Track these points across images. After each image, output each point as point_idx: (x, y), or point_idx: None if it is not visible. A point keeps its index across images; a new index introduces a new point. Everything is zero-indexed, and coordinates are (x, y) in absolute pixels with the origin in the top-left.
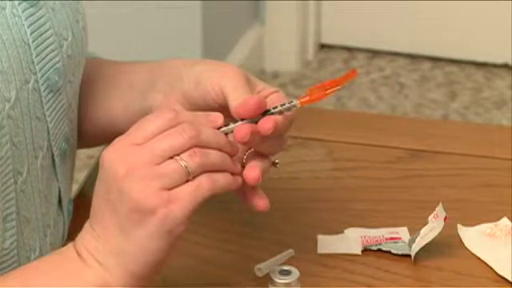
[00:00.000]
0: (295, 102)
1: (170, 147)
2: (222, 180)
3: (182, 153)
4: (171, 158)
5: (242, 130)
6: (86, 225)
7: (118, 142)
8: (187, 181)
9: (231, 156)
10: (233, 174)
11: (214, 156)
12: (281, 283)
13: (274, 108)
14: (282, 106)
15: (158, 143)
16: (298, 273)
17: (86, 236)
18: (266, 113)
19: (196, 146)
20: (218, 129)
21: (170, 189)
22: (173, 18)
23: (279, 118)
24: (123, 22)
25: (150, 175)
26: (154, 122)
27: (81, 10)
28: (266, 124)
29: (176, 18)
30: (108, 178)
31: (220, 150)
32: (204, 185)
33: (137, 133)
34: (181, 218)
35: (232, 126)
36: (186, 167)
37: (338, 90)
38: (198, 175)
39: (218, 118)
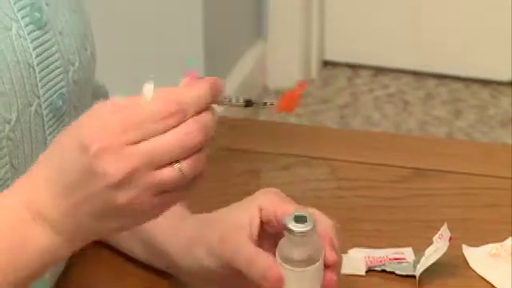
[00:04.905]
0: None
1: (170, 154)
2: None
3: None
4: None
5: None
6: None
7: (110, 141)
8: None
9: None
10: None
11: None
12: (298, 232)
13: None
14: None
15: (157, 146)
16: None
17: (41, 197)
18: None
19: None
20: (218, 103)
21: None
22: (174, 37)
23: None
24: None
25: (147, 182)
26: (154, 123)
27: (89, 36)
28: None
29: (178, 36)
30: (97, 182)
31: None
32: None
33: (134, 132)
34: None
35: (233, 99)
36: (181, 172)
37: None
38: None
39: (220, 85)
